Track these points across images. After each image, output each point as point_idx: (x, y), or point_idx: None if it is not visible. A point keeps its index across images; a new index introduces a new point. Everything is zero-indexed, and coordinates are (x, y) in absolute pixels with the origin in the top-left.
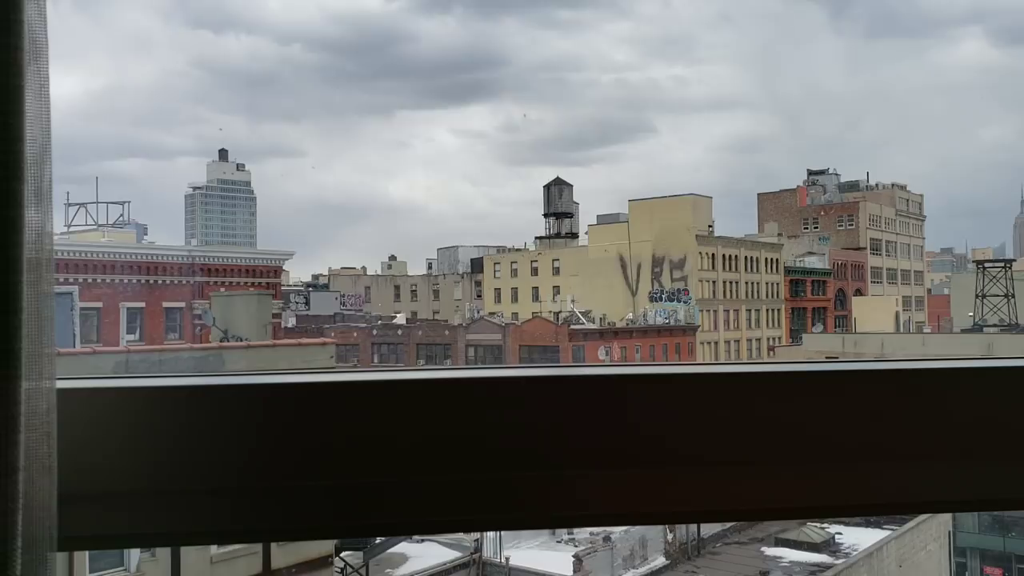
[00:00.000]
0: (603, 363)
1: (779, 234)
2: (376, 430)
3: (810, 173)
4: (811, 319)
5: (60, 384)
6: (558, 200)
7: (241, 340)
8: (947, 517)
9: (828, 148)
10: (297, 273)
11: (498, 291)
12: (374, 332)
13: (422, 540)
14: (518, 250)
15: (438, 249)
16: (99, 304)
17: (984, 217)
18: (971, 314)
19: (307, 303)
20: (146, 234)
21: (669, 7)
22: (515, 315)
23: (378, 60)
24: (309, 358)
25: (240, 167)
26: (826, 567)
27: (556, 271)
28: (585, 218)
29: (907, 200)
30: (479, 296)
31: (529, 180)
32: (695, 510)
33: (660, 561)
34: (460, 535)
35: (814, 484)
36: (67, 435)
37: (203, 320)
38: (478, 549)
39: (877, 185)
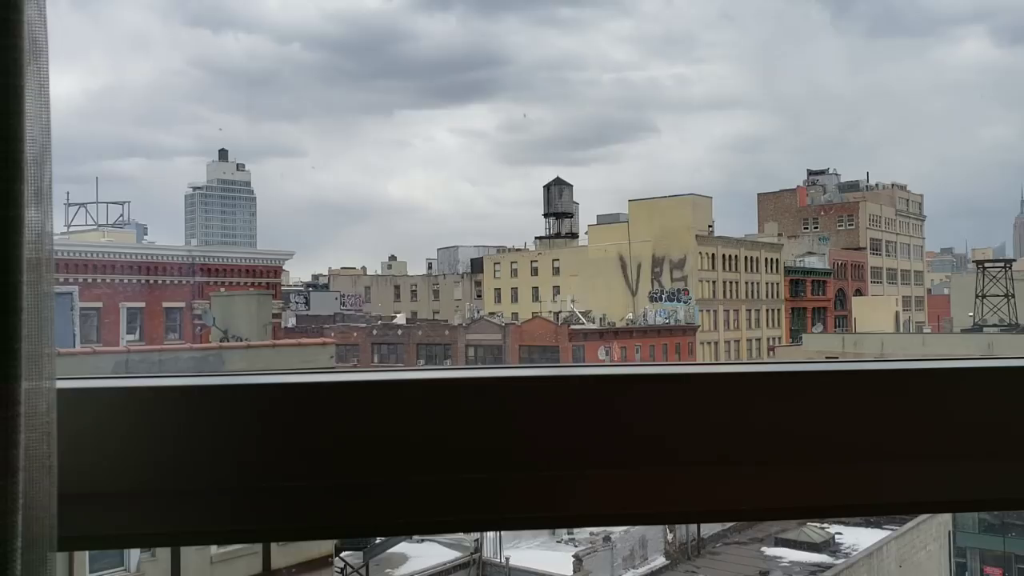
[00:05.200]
0: (603, 363)
1: (779, 234)
2: (375, 430)
3: (810, 173)
4: (811, 319)
5: (60, 384)
6: (558, 200)
7: (241, 340)
8: (947, 517)
9: (829, 148)
10: (297, 273)
11: (498, 291)
12: (374, 332)
13: (422, 540)
14: (518, 250)
15: (438, 249)
16: (99, 304)
17: (984, 217)
18: (971, 314)
19: (307, 303)
20: (146, 234)
21: (671, 5)
22: (515, 315)
23: (377, 59)
24: (309, 358)
25: (240, 167)
26: (826, 567)
27: (556, 271)
28: (585, 218)
29: (907, 200)
30: (479, 296)
31: (529, 180)
32: (695, 510)
33: (660, 561)
34: (460, 535)
35: (814, 484)
36: (67, 435)
37: (203, 320)
38: (478, 549)
39: (877, 185)
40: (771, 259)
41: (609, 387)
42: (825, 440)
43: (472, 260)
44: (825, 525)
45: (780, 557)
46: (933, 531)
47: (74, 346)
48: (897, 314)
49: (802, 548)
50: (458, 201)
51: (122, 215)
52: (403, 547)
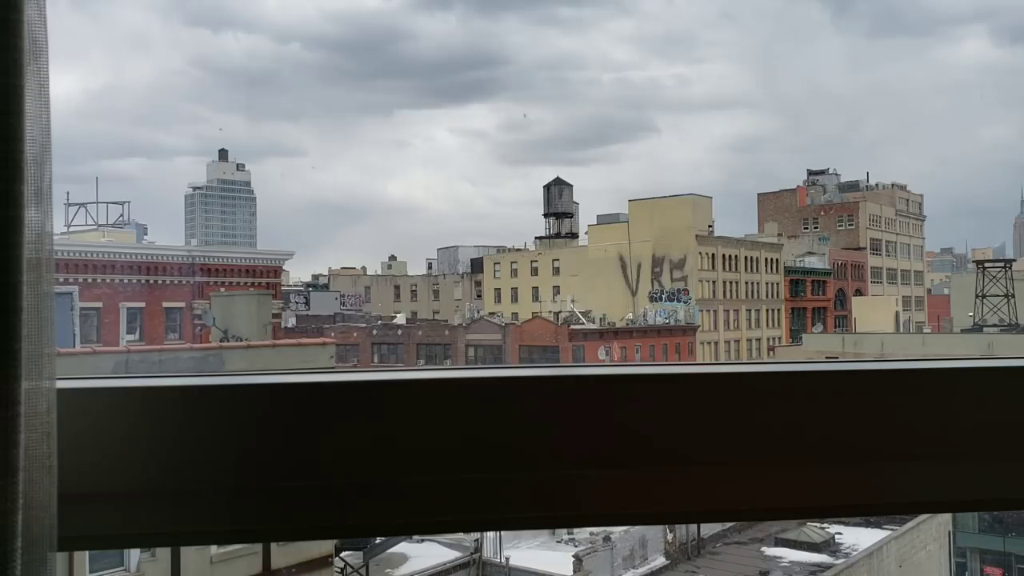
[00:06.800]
0: (602, 363)
1: (779, 234)
2: (375, 430)
3: (810, 173)
4: (811, 319)
5: (60, 384)
6: (558, 200)
7: (241, 340)
8: (947, 517)
9: (829, 147)
10: (297, 273)
11: (498, 291)
12: (374, 332)
13: (422, 540)
14: (518, 250)
15: (438, 249)
16: (99, 304)
17: (984, 217)
18: (971, 314)
19: (307, 303)
20: (146, 234)
21: (671, 5)
22: (515, 315)
23: (377, 59)
24: (309, 358)
25: (240, 167)
26: (826, 567)
27: (556, 271)
28: (585, 218)
29: (907, 200)
30: (479, 296)
31: (529, 180)
32: (695, 510)
33: (660, 561)
34: (460, 535)
35: (814, 484)
36: (67, 435)
37: (203, 320)
38: (478, 549)
39: (877, 185)
40: (771, 259)
41: (609, 387)
42: (825, 440)
43: (472, 260)
44: (825, 525)
45: (780, 557)
46: (933, 531)
47: (74, 346)
48: (897, 314)
49: (802, 548)
50: (458, 201)
51: (122, 215)
52: (403, 547)
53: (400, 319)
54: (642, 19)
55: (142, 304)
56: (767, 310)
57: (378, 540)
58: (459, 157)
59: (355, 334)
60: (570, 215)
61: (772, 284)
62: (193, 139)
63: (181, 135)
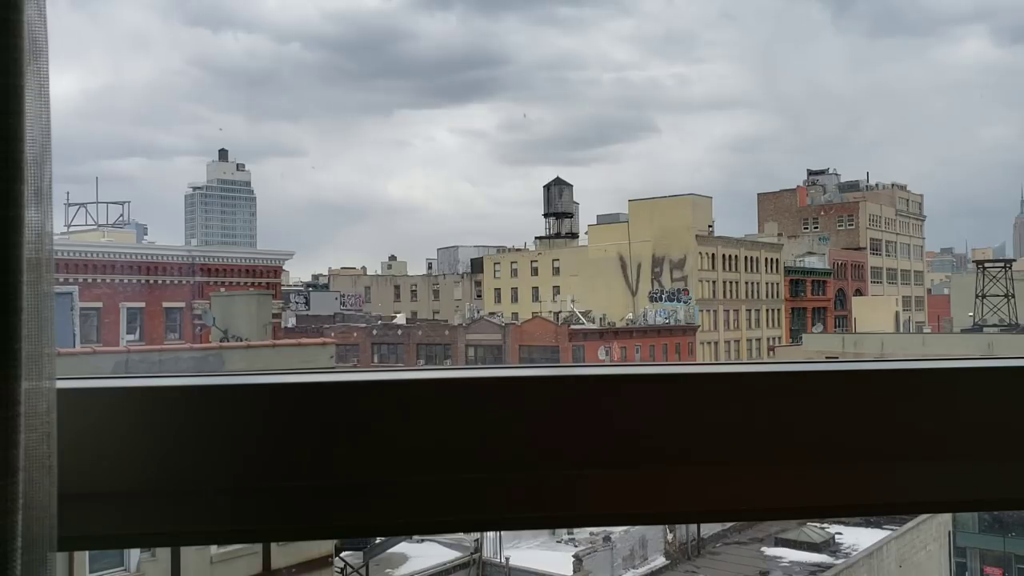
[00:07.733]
0: (602, 363)
1: (779, 234)
2: (375, 430)
3: (810, 173)
4: (811, 319)
5: (60, 384)
6: (558, 200)
7: (241, 340)
8: (947, 517)
9: (829, 148)
10: (297, 273)
11: (498, 291)
12: (374, 332)
13: (422, 540)
14: (518, 250)
15: (438, 249)
16: (99, 304)
17: (984, 217)
18: (971, 314)
19: (307, 303)
20: (146, 234)
21: (671, 5)
22: (515, 315)
23: (377, 59)
24: (309, 358)
25: (240, 167)
26: (826, 567)
27: (556, 271)
28: (585, 218)
29: (907, 200)
30: (479, 296)
31: (529, 180)
32: (695, 510)
33: (660, 561)
34: (460, 535)
35: (814, 484)
36: (67, 435)
37: (203, 320)
38: (478, 549)
39: (877, 185)
40: (771, 259)
41: (609, 387)
42: (825, 440)
43: (472, 260)
44: (825, 525)
45: (780, 557)
46: (933, 531)
47: (74, 346)
48: (897, 314)
49: (802, 548)
50: (458, 201)
51: (122, 215)
52: (403, 547)
53: (400, 319)
54: (642, 19)
55: (142, 304)
56: (767, 310)
57: (378, 540)
58: (459, 157)
59: (355, 334)
60: (570, 215)
61: (772, 284)
62: (193, 139)
63: (181, 135)
